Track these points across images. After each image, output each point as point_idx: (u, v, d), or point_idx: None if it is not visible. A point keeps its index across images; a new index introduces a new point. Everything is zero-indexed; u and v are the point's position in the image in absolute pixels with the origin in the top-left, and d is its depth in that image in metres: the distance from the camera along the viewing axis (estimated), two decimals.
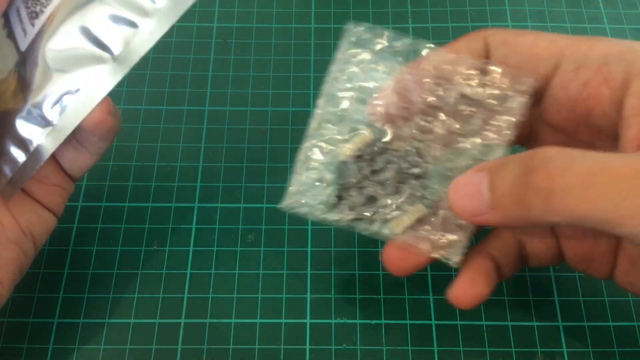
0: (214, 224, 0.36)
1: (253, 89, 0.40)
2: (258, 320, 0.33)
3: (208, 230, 0.36)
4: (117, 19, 0.26)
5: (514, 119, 0.26)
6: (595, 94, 0.25)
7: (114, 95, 0.27)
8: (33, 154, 0.27)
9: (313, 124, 0.28)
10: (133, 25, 0.26)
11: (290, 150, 0.37)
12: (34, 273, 0.34)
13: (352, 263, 0.35)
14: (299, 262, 0.35)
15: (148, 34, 0.26)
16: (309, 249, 0.35)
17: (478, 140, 0.26)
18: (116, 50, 0.26)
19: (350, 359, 0.32)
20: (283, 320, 0.33)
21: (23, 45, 0.28)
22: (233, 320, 0.33)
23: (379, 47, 0.28)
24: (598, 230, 0.21)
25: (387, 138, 0.27)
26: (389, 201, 0.27)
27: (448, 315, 0.33)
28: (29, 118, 0.27)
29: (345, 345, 0.32)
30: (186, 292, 0.34)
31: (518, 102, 0.26)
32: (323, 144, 0.28)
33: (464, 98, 0.26)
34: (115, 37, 0.26)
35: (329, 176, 0.28)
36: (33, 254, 0.30)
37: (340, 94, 0.28)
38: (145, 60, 0.27)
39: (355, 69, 0.28)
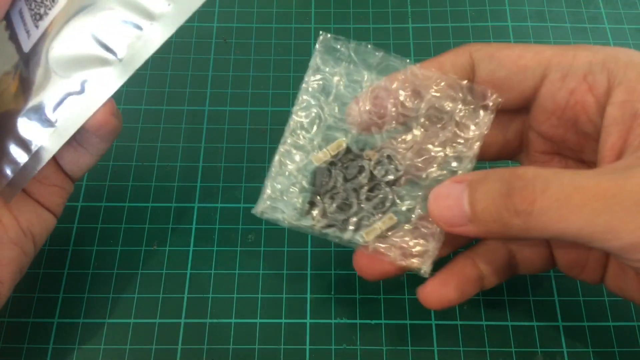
0: (214, 224, 0.36)
1: (253, 89, 0.40)
2: (258, 320, 0.33)
3: (208, 230, 0.36)
4: (122, 22, 0.26)
5: (480, 133, 0.27)
6: (581, 102, 0.26)
7: (114, 95, 0.27)
8: (34, 155, 0.27)
9: (288, 130, 0.29)
10: (138, 28, 0.26)
11: None
12: (34, 273, 0.34)
13: (352, 263, 0.35)
14: (299, 262, 0.35)
15: (153, 37, 0.26)
16: (309, 249, 0.35)
17: (448, 150, 0.27)
18: (121, 53, 0.26)
19: (350, 359, 0.32)
20: (283, 320, 0.33)
21: (26, 47, 0.28)
22: (233, 320, 0.33)
23: (353, 57, 0.29)
24: (577, 243, 0.22)
25: (361, 146, 0.28)
26: (362, 207, 0.28)
27: (448, 315, 0.33)
28: (30, 119, 0.27)
29: (345, 345, 0.32)
30: (186, 292, 0.34)
31: (485, 117, 0.27)
32: (297, 151, 0.28)
33: (436, 110, 0.28)
34: (120, 39, 0.26)
35: (302, 182, 0.28)
36: (33, 254, 0.30)
37: (314, 102, 0.29)
38: (145, 61, 0.27)
39: (329, 78, 0.29)
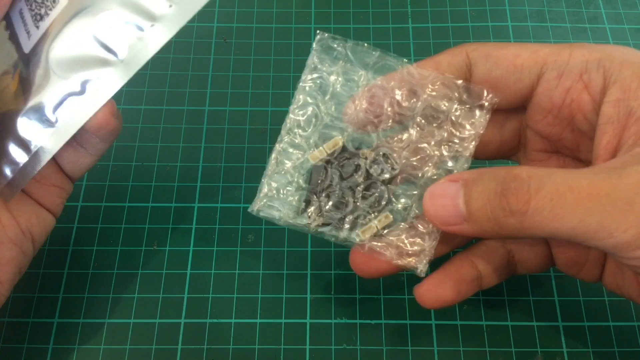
0: (214, 224, 0.36)
1: (253, 89, 0.40)
2: (258, 320, 0.33)
3: (208, 230, 0.36)
4: (123, 23, 0.26)
5: (476, 132, 0.27)
6: (577, 100, 0.26)
7: (114, 95, 0.27)
8: (34, 156, 0.27)
9: (284, 128, 0.29)
10: (139, 29, 0.26)
11: None
12: (34, 273, 0.34)
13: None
14: (299, 262, 0.35)
15: (154, 38, 0.26)
16: (309, 249, 0.35)
17: (444, 150, 0.28)
18: (122, 54, 0.26)
19: (350, 359, 0.32)
20: (283, 320, 0.33)
21: (27, 48, 0.28)
22: (233, 320, 0.33)
23: (350, 57, 0.29)
24: (572, 241, 0.22)
25: (357, 144, 0.28)
26: (358, 206, 0.28)
27: (448, 315, 0.33)
28: (30, 119, 0.27)
29: (345, 345, 0.32)
30: (186, 292, 0.34)
31: (481, 117, 0.27)
32: (294, 149, 0.29)
33: (432, 110, 0.28)
34: (121, 40, 0.26)
35: (299, 181, 0.28)
36: (32, 254, 0.30)
37: (311, 100, 0.29)
38: (146, 62, 0.27)
39: (326, 76, 0.29)
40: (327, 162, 0.28)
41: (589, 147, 0.26)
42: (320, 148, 0.28)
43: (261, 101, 0.40)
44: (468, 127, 0.27)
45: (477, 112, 0.27)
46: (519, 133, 0.30)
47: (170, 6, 0.26)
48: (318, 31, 0.29)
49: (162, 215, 0.36)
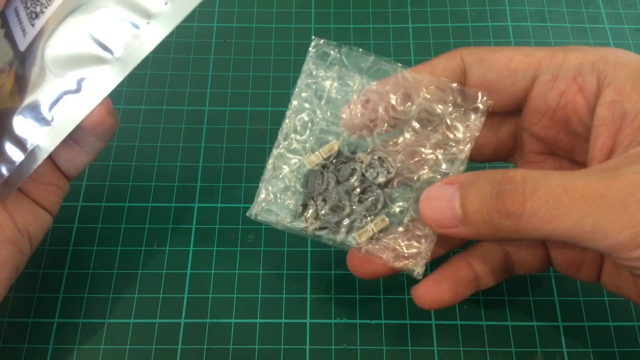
0: (214, 224, 0.36)
1: (253, 89, 0.40)
2: (258, 320, 0.33)
3: (208, 230, 0.36)
4: (119, 20, 0.26)
5: (471, 135, 0.27)
6: (571, 102, 0.26)
7: (114, 95, 0.27)
8: (30, 154, 0.27)
9: (281, 134, 0.29)
10: (135, 26, 0.26)
11: None
12: (34, 273, 0.34)
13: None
14: (299, 262, 0.35)
15: (150, 36, 0.26)
16: (309, 249, 0.35)
17: (439, 153, 0.28)
18: (118, 51, 0.26)
19: (350, 359, 0.32)
20: (283, 320, 0.33)
21: (22, 45, 0.28)
22: (233, 320, 0.33)
23: (344, 62, 0.29)
24: (568, 242, 0.22)
25: (353, 148, 0.29)
26: (354, 210, 0.28)
27: (448, 315, 0.33)
28: (26, 117, 0.27)
29: (345, 345, 0.32)
30: (186, 292, 0.34)
31: (476, 120, 0.27)
32: (290, 154, 0.29)
33: (427, 113, 0.28)
34: (117, 38, 0.26)
35: (296, 185, 0.28)
36: (29, 253, 0.30)
37: (307, 106, 0.29)
38: (145, 61, 0.27)
39: (322, 82, 0.29)
40: (324, 166, 0.28)
41: (584, 149, 0.26)
42: (317, 152, 0.28)
43: (261, 101, 0.40)
44: (463, 130, 0.27)
45: (472, 115, 0.27)
46: (514, 135, 0.30)
47: (166, 4, 0.26)
48: (313, 37, 0.29)
49: (162, 215, 0.36)
